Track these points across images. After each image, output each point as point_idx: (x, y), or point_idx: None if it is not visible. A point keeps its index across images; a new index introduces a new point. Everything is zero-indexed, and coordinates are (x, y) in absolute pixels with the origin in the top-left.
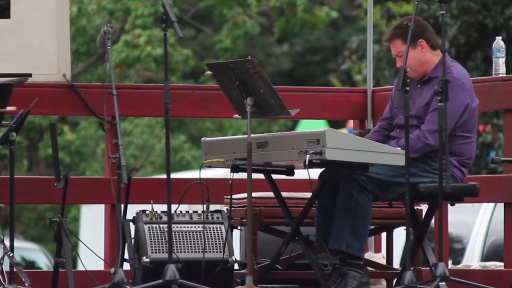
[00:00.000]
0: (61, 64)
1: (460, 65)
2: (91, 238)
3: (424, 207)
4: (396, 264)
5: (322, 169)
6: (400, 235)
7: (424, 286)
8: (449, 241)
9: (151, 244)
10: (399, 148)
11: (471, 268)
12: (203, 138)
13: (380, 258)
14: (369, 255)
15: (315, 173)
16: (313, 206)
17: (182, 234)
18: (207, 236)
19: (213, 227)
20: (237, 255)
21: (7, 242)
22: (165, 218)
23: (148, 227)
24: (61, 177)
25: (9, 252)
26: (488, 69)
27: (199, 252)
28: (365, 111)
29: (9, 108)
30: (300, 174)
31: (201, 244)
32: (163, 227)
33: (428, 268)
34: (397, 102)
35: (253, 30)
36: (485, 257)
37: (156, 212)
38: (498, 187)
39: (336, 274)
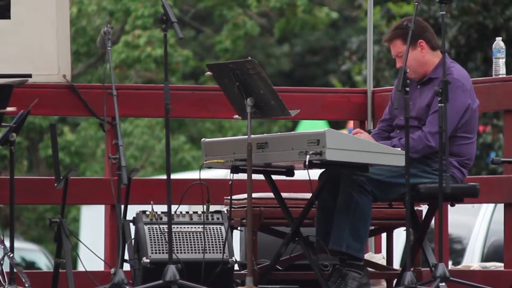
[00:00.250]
0: (61, 65)
1: (460, 66)
2: (91, 239)
3: (424, 208)
4: (396, 264)
5: (322, 170)
6: (400, 235)
7: (424, 286)
8: (449, 241)
9: (151, 244)
10: (400, 148)
11: (471, 268)
12: (203, 139)
13: (380, 258)
14: (369, 256)
15: (315, 173)
16: (313, 207)
17: (182, 235)
18: (207, 237)
19: (213, 227)
20: (237, 256)
21: (7, 243)
22: (165, 219)
23: (148, 227)
24: (61, 177)
25: (9, 253)
26: (488, 70)
27: (199, 252)
28: (365, 111)
29: (9, 109)
30: (300, 174)
31: (201, 244)
32: (163, 227)
33: (428, 269)
34: (397, 103)
35: (253, 31)
36: (485, 258)
37: (156, 212)
38: (498, 187)
39: (336, 275)
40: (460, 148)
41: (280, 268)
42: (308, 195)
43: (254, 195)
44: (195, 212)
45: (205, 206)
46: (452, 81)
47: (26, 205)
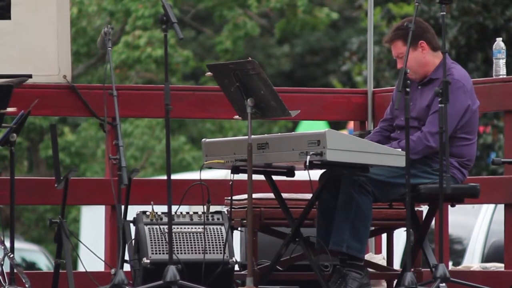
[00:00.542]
0: (61, 65)
1: (461, 67)
2: (91, 239)
3: (424, 208)
4: (397, 265)
5: (323, 170)
6: (400, 236)
7: (425, 287)
8: (449, 242)
9: (152, 245)
10: (400, 149)
11: (472, 269)
12: (203, 139)
13: (380, 259)
14: (370, 256)
15: (315, 174)
16: (313, 207)
17: (183, 235)
18: (208, 237)
19: (213, 228)
20: (237, 256)
21: (7, 243)
22: (165, 219)
23: (149, 228)
24: (61, 178)
25: (10, 253)
26: (488, 71)
27: (199, 253)
28: (366, 112)
29: (9, 109)
30: (301, 175)
31: (202, 245)
32: (163, 228)
33: (429, 269)
34: (398, 104)
35: (254, 31)
36: (486, 258)
37: (156, 213)
38: (498, 188)
39: (337, 275)
40: (460, 149)
41: (281, 269)
42: (309, 196)
43: (254, 195)
44: (196, 213)
45: (205, 207)
46: (452, 81)
47: (26, 206)
